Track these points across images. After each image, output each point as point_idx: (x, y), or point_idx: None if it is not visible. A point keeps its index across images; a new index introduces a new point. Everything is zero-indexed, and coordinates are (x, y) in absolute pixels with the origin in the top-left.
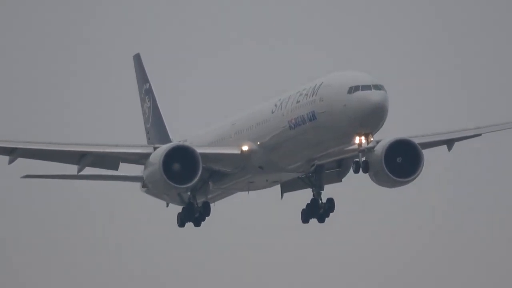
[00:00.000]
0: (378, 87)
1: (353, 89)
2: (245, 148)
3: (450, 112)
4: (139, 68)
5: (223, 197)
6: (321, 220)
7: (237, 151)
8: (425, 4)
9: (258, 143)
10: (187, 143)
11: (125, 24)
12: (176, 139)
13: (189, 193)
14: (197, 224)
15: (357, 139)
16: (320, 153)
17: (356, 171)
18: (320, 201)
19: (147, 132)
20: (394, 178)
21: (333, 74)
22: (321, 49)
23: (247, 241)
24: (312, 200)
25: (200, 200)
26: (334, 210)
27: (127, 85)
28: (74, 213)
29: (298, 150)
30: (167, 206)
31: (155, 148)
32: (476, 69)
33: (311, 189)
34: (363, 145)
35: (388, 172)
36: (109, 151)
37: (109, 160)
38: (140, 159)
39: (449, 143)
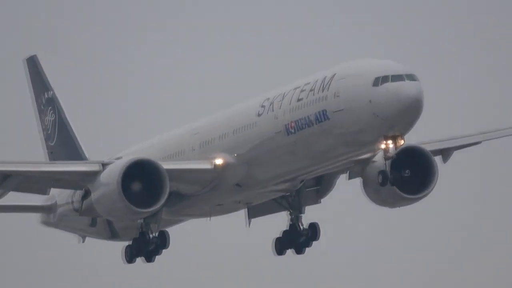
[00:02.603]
0: (411, 77)
1: (381, 80)
2: (219, 161)
3: (446, 117)
4: (35, 73)
5: (172, 225)
6: (300, 250)
7: (208, 166)
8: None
9: (236, 154)
10: None
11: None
12: (95, 158)
13: (141, 221)
14: (150, 259)
15: (383, 144)
16: (326, 164)
17: (383, 183)
18: (301, 227)
19: (50, 152)
20: (403, 195)
21: (348, 64)
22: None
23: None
24: (290, 226)
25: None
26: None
27: (15, 94)
28: None
29: (297, 160)
30: (83, 241)
31: (104, 165)
32: (472, 71)
33: (289, 213)
34: (390, 151)
35: (395, 189)
36: (46, 170)
37: (40, 183)
38: (83, 179)
39: (446, 152)
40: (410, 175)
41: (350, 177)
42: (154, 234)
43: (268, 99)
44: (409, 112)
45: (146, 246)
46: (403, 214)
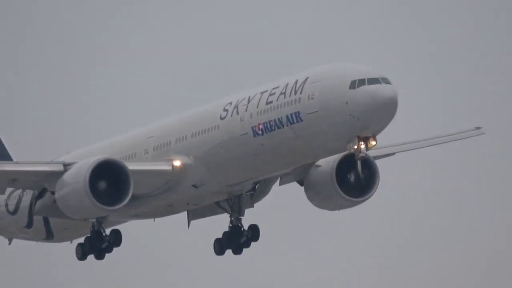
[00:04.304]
0: (386, 80)
1: (357, 83)
2: (177, 163)
3: None
4: None
5: (113, 226)
6: (238, 251)
7: (167, 167)
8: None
9: (195, 156)
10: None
11: None
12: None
13: (93, 220)
14: (101, 256)
15: (355, 144)
16: (290, 165)
17: (355, 183)
18: (242, 228)
19: None
20: (348, 198)
21: (321, 68)
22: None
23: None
24: (231, 227)
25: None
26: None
27: None
28: None
29: (260, 162)
30: (10, 243)
31: (65, 165)
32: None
33: (229, 215)
34: (362, 152)
35: (341, 192)
36: (9, 170)
37: None
38: (44, 179)
39: None
40: (354, 179)
41: (281, 183)
42: (106, 232)
43: (230, 103)
44: (385, 114)
45: (99, 244)
46: (337, 216)
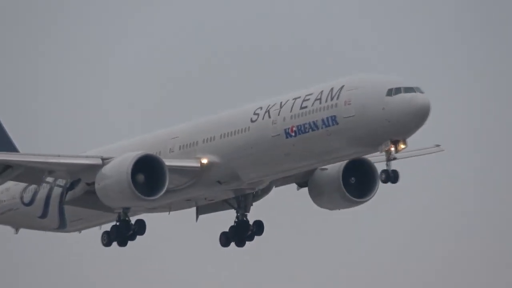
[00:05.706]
0: (419, 90)
1: (394, 91)
2: (205, 161)
3: None
4: None
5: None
6: (242, 243)
7: (196, 164)
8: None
9: (223, 155)
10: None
11: None
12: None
13: (119, 211)
14: (124, 243)
15: (387, 147)
16: (314, 164)
17: (385, 181)
18: (248, 223)
19: None
20: (353, 198)
21: (356, 76)
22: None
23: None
24: (237, 222)
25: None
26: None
27: None
28: None
29: (288, 161)
30: (17, 232)
31: (103, 159)
32: None
33: (236, 211)
34: (392, 153)
35: (346, 193)
36: (52, 162)
37: (37, 173)
38: (83, 171)
39: None
40: (356, 182)
41: (277, 185)
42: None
43: (260, 107)
44: (419, 120)
45: (126, 232)
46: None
